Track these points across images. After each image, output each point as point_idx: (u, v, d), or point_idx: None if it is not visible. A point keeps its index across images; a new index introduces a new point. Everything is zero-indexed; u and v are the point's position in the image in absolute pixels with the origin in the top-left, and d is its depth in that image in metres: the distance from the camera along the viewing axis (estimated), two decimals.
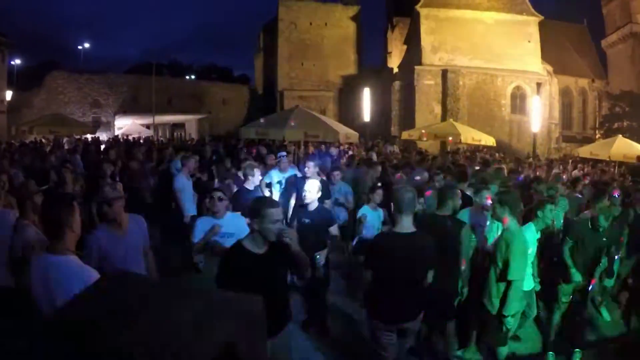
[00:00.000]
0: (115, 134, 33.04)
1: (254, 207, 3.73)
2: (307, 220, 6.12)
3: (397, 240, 4.34)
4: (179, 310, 1.78)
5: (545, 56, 36.65)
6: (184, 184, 8.80)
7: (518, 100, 35.52)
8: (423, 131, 21.55)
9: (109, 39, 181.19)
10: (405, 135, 22.64)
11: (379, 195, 7.40)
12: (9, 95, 30.70)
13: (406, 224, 4.36)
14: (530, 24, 35.82)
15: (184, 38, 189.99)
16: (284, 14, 43.81)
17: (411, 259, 4.24)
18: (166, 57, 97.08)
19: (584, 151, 19.97)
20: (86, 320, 1.80)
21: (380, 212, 7.37)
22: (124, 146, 18.85)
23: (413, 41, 37.21)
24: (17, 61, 38.23)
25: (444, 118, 31.13)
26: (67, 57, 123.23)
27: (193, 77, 56.74)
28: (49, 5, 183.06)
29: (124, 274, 3.88)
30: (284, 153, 10.57)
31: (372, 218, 7.17)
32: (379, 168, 8.93)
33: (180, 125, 45.88)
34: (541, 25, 36.15)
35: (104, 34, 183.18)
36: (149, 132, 33.69)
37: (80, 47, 47.85)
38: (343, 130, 17.58)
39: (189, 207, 8.75)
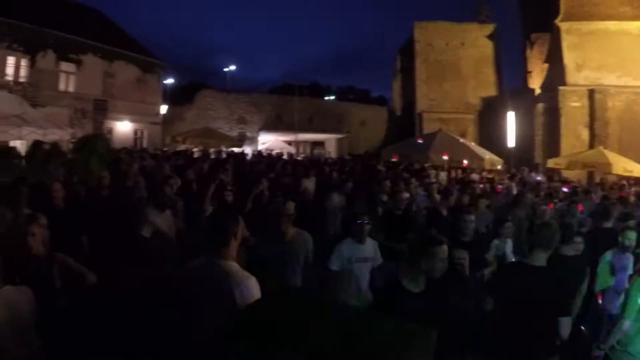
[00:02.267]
0: (259, 148, 35.38)
1: (421, 244, 3.69)
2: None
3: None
4: (365, 337, 1.90)
5: None
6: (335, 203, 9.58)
7: None
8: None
9: (253, 63, 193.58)
10: (551, 163, 21.63)
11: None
12: (164, 109, 35.38)
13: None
14: None
15: (322, 61, 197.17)
16: (420, 36, 43.63)
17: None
18: (306, 78, 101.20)
19: None
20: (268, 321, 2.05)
21: None
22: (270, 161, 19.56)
23: (554, 59, 34.95)
24: (171, 80, 42.67)
25: (591, 144, 28.84)
26: (214, 78, 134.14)
27: (332, 97, 58.63)
28: (198, 34, 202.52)
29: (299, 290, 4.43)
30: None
31: None
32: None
33: (320, 143, 47.85)
34: None
35: (248, 58, 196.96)
36: (291, 149, 35.68)
37: (226, 69, 51.69)
38: (487, 156, 17.51)
39: (334, 224, 9.40)
